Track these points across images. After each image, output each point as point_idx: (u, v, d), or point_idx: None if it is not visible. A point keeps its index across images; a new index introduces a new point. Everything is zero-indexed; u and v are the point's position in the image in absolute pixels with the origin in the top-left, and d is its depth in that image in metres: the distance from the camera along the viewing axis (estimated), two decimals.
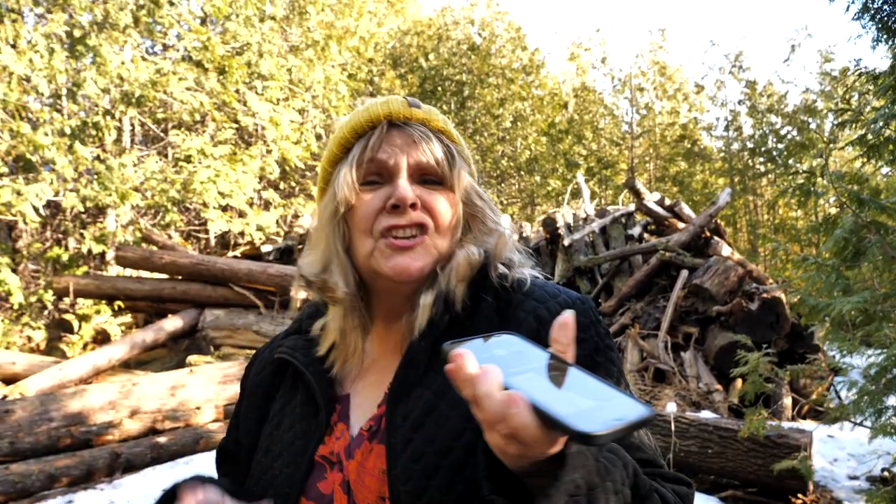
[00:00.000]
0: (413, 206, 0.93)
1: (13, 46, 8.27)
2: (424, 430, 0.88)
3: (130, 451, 5.10)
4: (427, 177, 0.96)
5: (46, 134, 8.61)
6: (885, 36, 3.72)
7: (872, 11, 3.75)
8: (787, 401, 6.08)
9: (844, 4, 3.85)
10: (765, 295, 6.79)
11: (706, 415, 5.26)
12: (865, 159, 3.73)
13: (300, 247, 10.22)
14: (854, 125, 4.03)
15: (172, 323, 8.26)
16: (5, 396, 6.11)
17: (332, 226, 0.97)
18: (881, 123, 3.48)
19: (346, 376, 1.02)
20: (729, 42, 48.19)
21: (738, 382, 6.09)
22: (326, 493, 0.92)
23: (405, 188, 0.92)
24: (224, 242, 13.61)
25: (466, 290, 0.95)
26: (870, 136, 3.65)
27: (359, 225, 0.95)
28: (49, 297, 9.73)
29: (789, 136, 21.49)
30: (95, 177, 9.47)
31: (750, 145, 22.90)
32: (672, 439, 4.52)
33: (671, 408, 5.57)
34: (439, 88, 22.32)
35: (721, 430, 4.44)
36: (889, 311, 3.51)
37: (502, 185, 24.16)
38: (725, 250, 8.41)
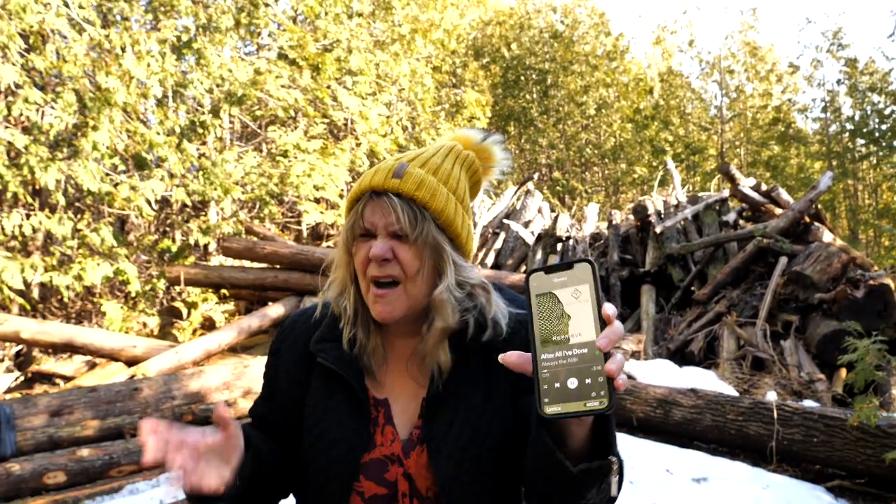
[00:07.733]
0: (387, 259, 1.11)
1: (122, 51, 8.87)
2: (459, 439, 1.13)
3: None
4: (398, 234, 1.12)
5: (158, 133, 9.23)
6: None
7: None
8: None
9: None
10: (871, 282, 6.54)
11: (809, 404, 5.15)
12: None
13: None
14: None
15: (275, 310, 8.70)
16: (133, 376, 6.65)
17: (346, 260, 1.19)
18: None
19: (373, 374, 1.22)
20: (827, 19, 45.52)
21: (843, 372, 5.91)
22: (391, 480, 1.15)
23: (378, 247, 1.11)
24: (317, 233, 14.14)
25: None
26: None
27: (358, 268, 1.16)
28: (161, 285, 10.42)
29: (894, 116, 20.25)
30: (200, 172, 10.04)
31: (850, 127, 21.73)
32: (775, 427, 4.47)
33: (772, 396, 5.48)
34: (522, 78, 22.26)
35: (827, 419, 4.36)
36: None
37: (586, 173, 23.87)
38: (827, 236, 8.10)
